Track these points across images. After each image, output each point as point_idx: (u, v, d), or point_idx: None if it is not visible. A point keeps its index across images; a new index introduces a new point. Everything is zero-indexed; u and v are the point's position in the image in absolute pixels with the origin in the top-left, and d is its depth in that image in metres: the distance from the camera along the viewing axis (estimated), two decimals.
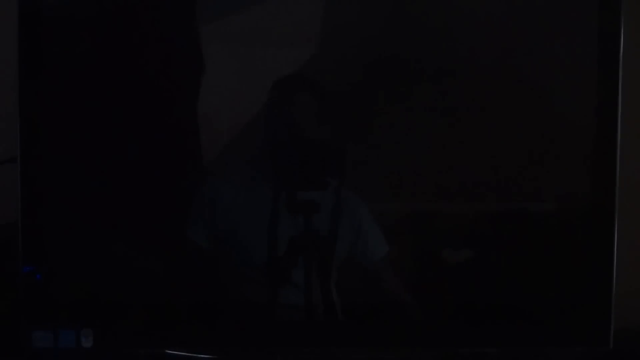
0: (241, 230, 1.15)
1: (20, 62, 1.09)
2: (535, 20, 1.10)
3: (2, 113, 1.14)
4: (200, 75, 1.12)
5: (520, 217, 1.14)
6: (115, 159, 1.13)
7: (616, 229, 1.10)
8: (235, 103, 1.12)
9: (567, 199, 1.13)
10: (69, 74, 1.11)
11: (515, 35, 1.11)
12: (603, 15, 1.08)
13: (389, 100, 1.12)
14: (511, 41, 1.11)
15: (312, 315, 1.14)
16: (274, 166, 1.14)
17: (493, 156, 1.12)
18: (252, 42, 1.11)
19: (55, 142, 1.12)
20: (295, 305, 1.14)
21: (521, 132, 1.12)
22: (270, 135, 1.13)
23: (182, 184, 1.14)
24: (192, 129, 1.14)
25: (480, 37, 1.11)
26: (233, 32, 1.11)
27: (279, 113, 1.13)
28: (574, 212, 1.13)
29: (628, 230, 1.13)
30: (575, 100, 1.11)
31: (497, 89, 1.12)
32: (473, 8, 1.11)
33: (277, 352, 1.15)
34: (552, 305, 1.13)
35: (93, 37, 1.12)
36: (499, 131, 1.12)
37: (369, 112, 1.13)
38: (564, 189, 1.13)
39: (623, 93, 1.09)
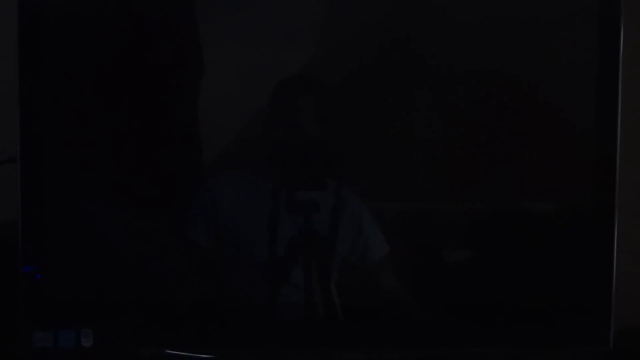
0: (241, 230, 1.15)
1: (20, 63, 1.10)
2: (535, 20, 1.10)
3: (2, 113, 1.14)
4: (200, 75, 1.12)
5: (520, 217, 1.14)
6: (116, 159, 1.13)
7: (616, 229, 1.10)
8: (236, 103, 1.12)
9: (567, 199, 1.13)
10: (69, 74, 1.11)
11: (515, 35, 1.11)
12: (603, 15, 1.08)
13: (389, 101, 1.12)
14: (511, 41, 1.11)
15: (312, 315, 1.14)
16: (274, 166, 1.14)
17: (493, 156, 1.12)
18: (252, 42, 1.11)
19: (55, 142, 1.12)
20: (295, 305, 1.14)
21: (521, 132, 1.12)
22: (270, 135, 1.13)
23: (182, 184, 1.14)
24: (192, 129, 1.14)
25: (481, 37, 1.11)
26: (233, 32, 1.11)
27: (279, 113, 1.13)
28: (574, 212, 1.13)
29: (628, 230, 1.13)
30: (575, 100, 1.11)
31: (497, 89, 1.12)
32: (473, 9, 1.11)
33: (277, 352, 1.15)
34: (552, 305, 1.13)
35: (93, 38, 1.12)
36: (499, 131, 1.12)
37: (369, 112, 1.13)
38: (564, 189, 1.13)
39: (623, 93, 1.09)
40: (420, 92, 1.12)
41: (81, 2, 1.11)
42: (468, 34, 1.10)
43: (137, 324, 1.14)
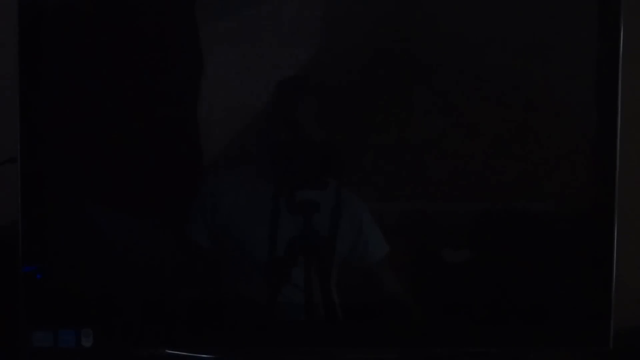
0: (241, 230, 1.15)
1: (20, 63, 1.09)
2: (535, 20, 1.10)
3: (2, 113, 1.14)
4: (201, 75, 1.12)
5: (520, 217, 1.14)
6: (116, 159, 1.13)
7: (616, 229, 1.10)
8: (236, 103, 1.12)
9: (567, 199, 1.13)
10: (69, 74, 1.11)
11: (515, 34, 1.11)
12: (603, 15, 1.08)
13: (389, 100, 1.12)
14: (511, 41, 1.11)
15: (312, 315, 1.14)
16: (274, 166, 1.14)
17: (493, 156, 1.12)
18: (252, 42, 1.11)
19: (55, 142, 1.12)
20: (295, 305, 1.14)
21: (521, 132, 1.12)
22: (270, 135, 1.13)
23: (183, 184, 1.14)
24: (193, 129, 1.14)
25: (481, 37, 1.11)
26: (234, 32, 1.11)
27: (279, 113, 1.13)
28: (574, 212, 1.13)
29: (628, 230, 1.13)
30: (575, 100, 1.11)
31: (497, 88, 1.12)
32: (473, 9, 1.11)
33: (277, 352, 1.15)
34: (552, 305, 1.13)
35: (93, 37, 1.12)
36: (499, 131, 1.12)
37: (369, 112, 1.13)
38: (564, 189, 1.13)
39: (623, 93, 1.09)
40: (421, 92, 1.12)
41: (81, 1, 1.11)
42: (468, 35, 1.10)
43: (137, 324, 1.14)
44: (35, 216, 1.11)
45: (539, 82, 1.11)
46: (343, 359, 1.15)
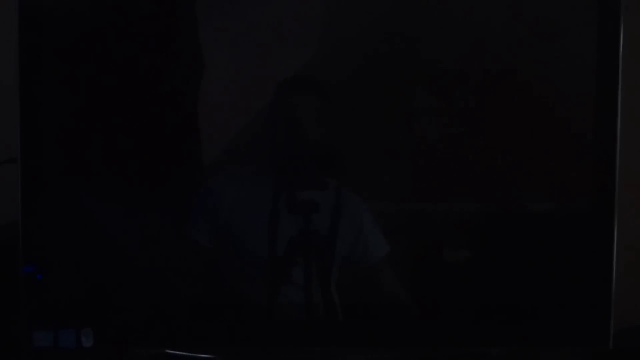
0: (242, 230, 1.15)
1: (20, 62, 1.09)
2: (535, 20, 1.10)
3: (2, 113, 1.14)
4: (201, 75, 1.12)
5: (520, 217, 1.14)
6: (116, 159, 1.13)
7: (616, 229, 1.10)
8: (236, 103, 1.13)
9: (567, 199, 1.13)
10: (69, 74, 1.11)
11: (515, 35, 1.11)
12: (603, 15, 1.08)
13: (389, 100, 1.12)
14: (512, 41, 1.11)
15: (312, 315, 1.14)
16: (274, 166, 1.14)
17: (493, 156, 1.12)
18: (253, 41, 1.11)
19: (56, 142, 1.12)
20: (295, 305, 1.14)
21: (521, 132, 1.12)
22: (271, 135, 1.13)
23: (183, 184, 1.14)
24: (193, 129, 1.14)
25: (481, 38, 1.11)
26: (233, 32, 1.11)
27: (279, 113, 1.13)
28: (574, 212, 1.13)
29: (628, 230, 1.13)
30: (575, 100, 1.11)
31: (497, 89, 1.12)
32: (473, 9, 1.11)
33: (277, 352, 1.15)
34: (552, 305, 1.13)
35: (93, 37, 1.12)
36: (499, 131, 1.12)
37: (369, 112, 1.13)
38: (564, 189, 1.13)
39: (623, 93, 1.09)
40: (421, 92, 1.12)
41: (81, 2, 1.11)
42: (468, 34, 1.10)
43: (137, 324, 1.14)
44: (35, 216, 1.11)
45: (539, 82, 1.11)
46: (343, 359, 1.15)
